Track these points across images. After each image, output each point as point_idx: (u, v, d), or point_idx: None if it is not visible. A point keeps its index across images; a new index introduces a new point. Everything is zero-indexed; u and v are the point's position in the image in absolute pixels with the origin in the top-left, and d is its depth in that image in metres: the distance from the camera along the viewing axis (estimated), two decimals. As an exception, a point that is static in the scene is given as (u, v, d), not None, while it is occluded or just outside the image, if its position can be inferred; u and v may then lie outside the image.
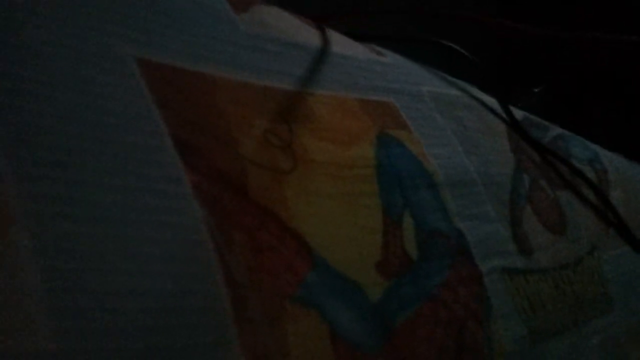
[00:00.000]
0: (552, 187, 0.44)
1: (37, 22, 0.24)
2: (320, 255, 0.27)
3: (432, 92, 0.42)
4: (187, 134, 0.26)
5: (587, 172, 0.47)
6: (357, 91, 0.36)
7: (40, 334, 0.18)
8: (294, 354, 0.24)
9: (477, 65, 0.47)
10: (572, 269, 0.40)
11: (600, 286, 0.42)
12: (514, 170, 0.42)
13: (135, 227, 0.22)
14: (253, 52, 0.32)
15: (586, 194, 0.46)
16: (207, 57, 0.29)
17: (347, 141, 0.33)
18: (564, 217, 0.43)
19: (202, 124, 0.27)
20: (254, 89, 0.30)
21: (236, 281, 0.23)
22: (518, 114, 0.47)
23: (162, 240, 0.22)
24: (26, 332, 0.18)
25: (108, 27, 0.26)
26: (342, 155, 0.32)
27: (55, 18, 0.25)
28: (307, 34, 0.37)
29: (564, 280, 0.39)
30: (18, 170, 0.20)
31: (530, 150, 0.45)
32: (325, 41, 0.38)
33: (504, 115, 0.46)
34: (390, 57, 0.42)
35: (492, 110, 0.45)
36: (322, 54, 0.36)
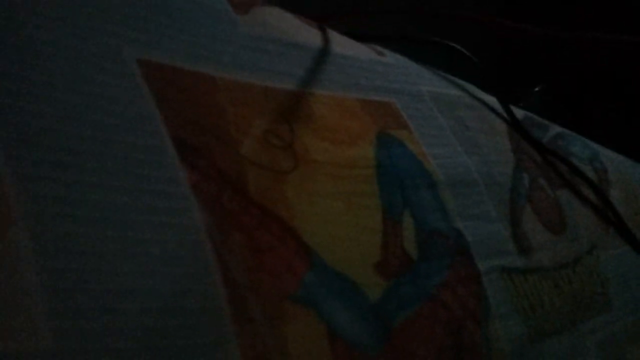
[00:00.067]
0: (552, 187, 0.44)
1: (37, 22, 0.24)
2: (319, 255, 0.27)
3: (432, 92, 0.42)
4: (187, 134, 0.26)
5: (587, 172, 0.47)
6: (357, 91, 0.36)
7: (40, 334, 0.18)
8: (293, 354, 0.24)
9: (477, 65, 0.47)
10: (572, 269, 0.41)
11: (599, 285, 0.42)
12: (514, 169, 0.42)
13: (135, 228, 0.22)
14: (254, 52, 0.32)
15: (586, 194, 0.46)
16: (208, 57, 0.29)
17: (348, 141, 0.33)
18: (563, 217, 0.43)
19: (203, 124, 0.27)
20: (254, 89, 0.30)
21: (235, 281, 0.24)
22: (519, 113, 0.47)
23: (161, 240, 0.22)
24: (26, 332, 0.18)
25: (109, 27, 0.26)
26: (343, 155, 0.32)
27: (55, 18, 0.25)
28: (308, 35, 0.37)
29: (563, 279, 0.39)
30: (18, 171, 0.20)
31: (531, 150, 0.45)
32: (326, 41, 0.38)
33: (504, 114, 0.46)
34: (391, 57, 0.42)
35: (492, 110, 0.45)
36: (323, 54, 0.36)
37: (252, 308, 0.24)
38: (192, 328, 0.22)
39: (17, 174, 0.20)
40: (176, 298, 0.22)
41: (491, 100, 0.46)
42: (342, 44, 0.39)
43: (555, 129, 0.50)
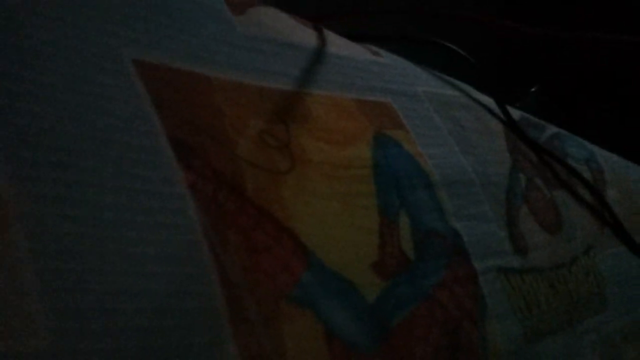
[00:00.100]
0: (549, 187, 0.44)
1: (36, 22, 0.24)
2: (316, 256, 0.27)
3: (429, 92, 0.42)
4: (184, 134, 0.26)
5: (583, 172, 0.47)
6: (354, 91, 0.36)
7: (38, 334, 0.18)
8: (290, 354, 0.24)
9: (473, 65, 0.47)
10: (568, 269, 0.41)
11: (595, 285, 0.42)
12: (510, 170, 0.42)
13: (132, 228, 0.22)
14: (250, 52, 0.32)
15: (582, 194, 0.46)
16: (204, 57, 0.29)
17: (344, 141, 0.33)
18: (560, 217, 0.43)
19: (199, 125, 0.27)
20: (250, 89, 0.30)
21: (231, 281, 0.24)
22: (515, 113, 0.47)
23: (158, 240, 0.22)
24: (25, 332, 0.18)
25: (107, 27, 0.26)
26: (339, 155, 0.32)
27: (54, 18, 0.25)
28: (304, 35, 0.37)
29: (559, 279, 0.39)
30: (16, 171, 0.20)
31: (527, 150, 0.45)
32: (322, 42, 0.38)
33: (501, 115, 0.46)
34: (387, 58, 0.42)
35: (489, 110, 0.46)
36: (319, 54, 0.36)
37: (248, 308, 0.24)
38: (189, 328, 0.22)
39: (15, 174, 0.20)
40: (173, 298, 0.22)
41: (488, 100, 0.47)
42: (338, 44, 0.39)
43: (552, 129, 0.50)
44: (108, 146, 0.23)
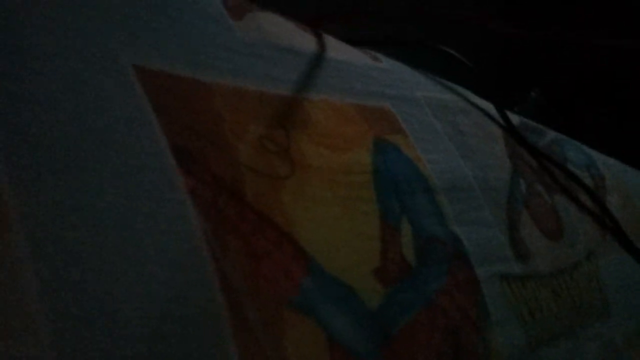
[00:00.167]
0: (549, 193, 0.44)
1: (36, 23, 0.24)
2: (317, 261, 0.27)
3: (428, 97, 0.42)
4: (184, 140, 0.25)
5: (584, 178, 0.47)
6: (353, 96, 0.36)
7: (40, 339, 0.18)
8: (291, 360, 0.24)
9: (471, 69, 0.47)
10: (570, 275, 0.40)
11: (597, 291, 0.42)
12: (510, 175, 0.42)
13: (132, 233, 0.22)
14: (250, 58, 0.32)
15: (583, 200, 0.46)
16: (204, 63, 0.29)
17: (344, 146, 0.33)
18: (560, 223, 0.43)
19: (199, 130, 0.26)
20: (250, 94, 0.30)
21: (232, 287, 0.23)
22: (514, 118, 0.47)
23: (158, 245, 0.22)
24: (27, 338, 0.18)
25: (107, 31, 0.26)
26: (339, 160, 0.32)
27: (54, 19, 0.24)
28: (303, 40, 0.37)
29: (561, 285, 0.39)
30: (18, 173, 0.20)
31: (527, 155, 0.45)
32: (322, 47, 0.38)
33: (500, 120, 0.46)
34: (386, 62, 0.42)
35: (488, 115, 0.45)
36: (318, 59, 0.36)
37: (249, 314, 0.23)
38: (189, 334, 0.21)
39: (16, 175, 0.20)
40: (174, 304, 0.21)
41: (487, 105, 0.46)
42: (337, 49, 0.39)
43: (551, 134, 0.50)
44: (108, 151, 0.23)
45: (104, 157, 0.22)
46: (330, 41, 0.39)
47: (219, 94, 0.29)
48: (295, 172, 0.29)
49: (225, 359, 0.22)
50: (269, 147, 0.29)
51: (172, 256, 0.22)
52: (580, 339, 0.38)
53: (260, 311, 0.24)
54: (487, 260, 0.35)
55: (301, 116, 0.32)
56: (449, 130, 0.41)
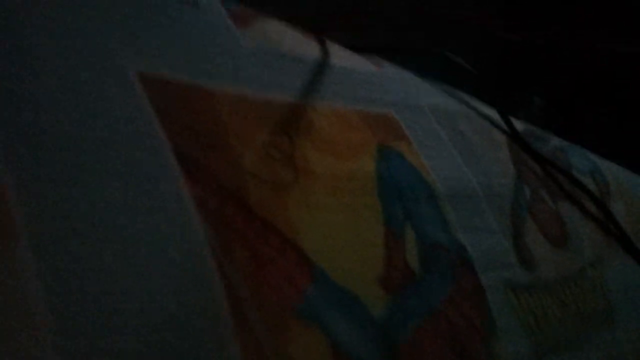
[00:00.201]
0: (553, 199, 0.44)
1: (37, 23, 0.24)
2: (321, 269, 0.27)
3: (431, 104, 0.41)
4: (189, 148, 0.25)
5: (588, 184, 0.47)
6: (357, 103, 0.36)
7: (45, 352, 0.18)
8: (296, 369, 0.24)
9: (475, 76, 0.47)
10: (575, 282, 0.40)
11: (603, 299, 0.42)
12: (514, 181, 0.42)
13: (137, 242, 0.21)
14: (253, 65, 0.32)
15: (587, 206, 0.45)
16: (208, 71, 0.29)
17: (348, 153, 0.33)
18: (565, 230, 0.42)
19: (203, 138, 0.26)
20: (254, 102, 0.30)
21: (237, 296, 0.23)
22: (518, 125, 0.47)
23: (164, 254, 0.22)
24: (29, 339, 0.18)
25: (109, 36, 0.26)
26: (343, 167, 0.32)
27: (55, 19, 0.24)
28: (307, 47, 0.37)
29: (566, 293, 0.39)
30: (20, 183, 0.20)
31: (531, 162, 0.45)
32: (325, 54, 0.37)
33: (504, 126, 0.46)
34: (390, 69, 0.42)
35: (492, 121, 0.45)
36: (322, 66, 0.36)
37: (254, 321, 0.23)
38: (195, 343, 0.21)
39: (17, 178, 0.20)
40: (179, 313, 0.21)
41: (490, 111, 0.46)
42: (340, 56, 0.39)
43: (555, 140, 0.50)
44: (113, 161, 0.23)
45: (105, 160, 0.22)
46: (334, 48, 0.39)
47: (222, 101, 0.29)
48: (299, 179, 0.29)
49: (229, 366, 0.22)
50: (272, 154, 0.29)
51: (177, 265, 0.22)
52: (586, 348, 0.38)
53: (264, 318, 0.24)
54: (491, 268, 0.35)
55: (305, 123, 0.32)
56: (452, 136, 0.40)
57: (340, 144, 0.33)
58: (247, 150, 0.28)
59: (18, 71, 0.22)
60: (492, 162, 0.41)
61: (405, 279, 0.30)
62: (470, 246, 0.35)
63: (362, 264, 0.29)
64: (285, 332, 0.24)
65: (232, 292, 0.23)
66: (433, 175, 0.36)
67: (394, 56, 0.44)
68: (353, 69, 0.38)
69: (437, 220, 0.34)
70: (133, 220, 0.22)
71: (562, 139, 0.50)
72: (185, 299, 0.22)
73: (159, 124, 0.25)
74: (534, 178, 0.43)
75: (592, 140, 0.52)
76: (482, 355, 0.31)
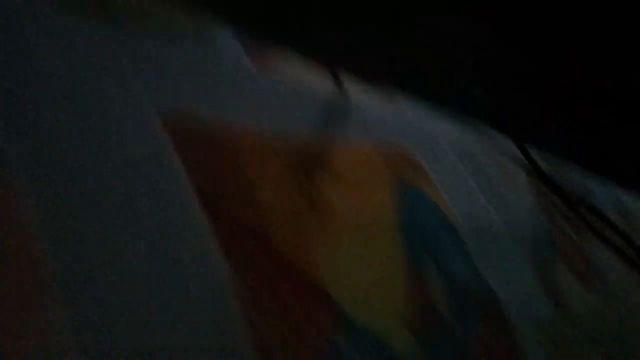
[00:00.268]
0: (577, 233, 0.43)
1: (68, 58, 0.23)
2: (345, 311, 0.26)
3: (448, 136, 0.41)
4: (209, 184, 0.25)
5: (611, 217, 0.46)
6: (373, 138, 0.36)
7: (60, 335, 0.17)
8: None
9: (490, 107, 0.46)
10: (604, 318, 0.39)
11: (632, 332, 0.40)
12: (537, 215, 0.41)
13: (160, 280, 0.21)
14: (273, 104, 0.31)
15: (612, 239, 0.44)
16: (229, 109, 0.29)
17: (366, 190, 0.32)
18: (591, 264, 0.41)
19: (224, 176, 0.26)
20: (272, 138, 0.30)
21: (266, 343, 0.22)
22: (536, 157, 0.46)
23: (187, 294, 0.21)
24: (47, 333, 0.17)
25: (134, 75, 0.26)
26: (362, 204, 0.31)
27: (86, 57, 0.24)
28: (323, 84, 0.37)
29: (595, 328, 0.38)
30: (45, 226, 0.19)
31: (552, 195, 0.44)
32: (340, 90, 0.37)
33: (523, 158, 0.45)
34: (404, 102, 0.42)
35: (510, 155, 0.45)
36: (338, 103, 0.36)
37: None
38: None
39: (46, 229, 0.19)
40: (202, 354, 0.20)
41: (508, 143, 0.46)
42: (355, 92, 0.38)
43: (575, 170, 0.49)
44: (135, 196, 0.22)
45: (133, 206, 0.22)
46: (350, 84, 0.39)
47: (244, 140, 0.28)
48: (319, 216, 0.29)
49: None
50: (293, 192, 0.28)
51: (200, 304, 0.21)
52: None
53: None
54: (520, 307, 0.34)
55: (322, 160, 0.32)
56: (471, 169, 0.40)
57: (358, 180, 0.32)
58: (266, 187, 0.27)
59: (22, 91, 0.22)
60: (512, 195, 0.40)
61: (431, 321, 0.29)
62: (498, 287, 0.34)
63: (386, 305, 0.28)
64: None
65: (260, 339, 0.22)
66: (455, 212, 0.35)
67: (408, 88, 0.44)
68: (368, 105, 0.38)
69: (462, 259, 0.34)
70: (155, 257, 0.21)
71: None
72: (209, 339, 0.21)
73: (180, 160, 0.24)
74: (556, 211, 0.43)
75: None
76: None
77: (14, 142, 0.20)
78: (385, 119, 0.38)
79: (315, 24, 0.39)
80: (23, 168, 0.20)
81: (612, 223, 0.44)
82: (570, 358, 0.35)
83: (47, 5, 0.24)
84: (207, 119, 0.27)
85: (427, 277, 0.31)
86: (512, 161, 0.44)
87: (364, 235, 0.30)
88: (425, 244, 0.32)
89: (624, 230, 0.45)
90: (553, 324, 0.35)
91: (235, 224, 0.24)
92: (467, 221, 0.35)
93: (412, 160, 0.37)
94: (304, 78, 0.36)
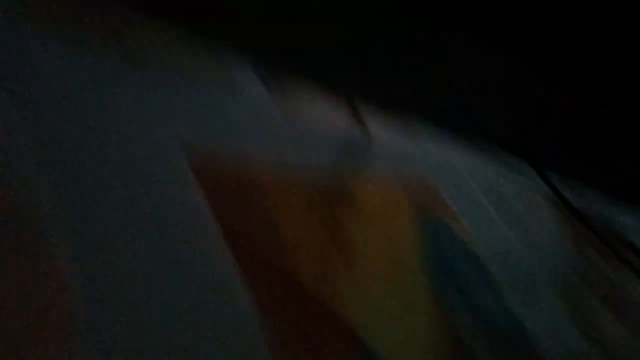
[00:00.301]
0: (606, 262, 0.42)
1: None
2: (373, 349, 0.26)
3: (470, 168, 0.41)
4: (234, 222, 0.25)
5: (635, 243, 0.45)
6: (394, 171, 0.36)
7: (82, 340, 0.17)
8: None
9: (509, 134, 0.46)
10: (637, 350, 0.38)
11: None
12: (562, 245, 0.40)
13: (186, 320, 0.21)
14: (295, 143, 0.32)
15: (637, 264, 0.44)
16: (252, 148, 0.29)
17: (390, 223, 0.32)
18: (624, 295, 0.41)
19: (248, 211, 0.26)
20: (297, 177, 0.30)
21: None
22: (559, 185, 0.46)
23: (214, 334, 0.21)
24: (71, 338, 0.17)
25: (158, 115, 0.26)
26: (386, 238, 0.31)
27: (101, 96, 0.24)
28: (345, 121, 0.37)
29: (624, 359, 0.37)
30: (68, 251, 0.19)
31: (576, 222, 0.43)
32: (362, 127, 0.37)
33: (546, 187, 0.44)
34: (425, 135, 0.42)
35: (531, 182, 0.44)
36: (360, 139, 0.36)
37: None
38: None
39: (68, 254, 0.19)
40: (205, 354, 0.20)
41: (530, 172, 0.45)
42: (377, 126, 0.38)
43: (599, 198, 0.48)
44: (160, 235, 0.22)
45: (156, 245, 0.22)
46: (370, 119, 0.39)
47: (268, 180, 0.28)
48: (343, 251, 0.28)
49: None
50: (317, 228, 0.28)
51: (226, 342, 0.21)
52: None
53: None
54: (551, 342, 0.33)
55: (345, 195, 0.31)
56: (493, 200, 0.39)
57: (381, 214, 0.32)
58: (291, 224, 0.27)
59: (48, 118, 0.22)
60: (537, 227, 0.40)
61: (460, 355, 0.29)
62: (526, 320, 0.33)
63: (415, 341, 0.28)
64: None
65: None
66: (479, 244, 0.35)
67: (427, 119, 0.44)
68: (388, 137, 0.38)
69: (490, 293, 0.33)
70: (180, 296, 0.21)
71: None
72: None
73: (204, 198, 0.24)
74: (583, 241, 0.42)
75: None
76: None
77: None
78: (405, 151, 0.38)
79: (332, 58, 0.39)
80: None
81: (638, 250, 0.43)
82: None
83: (63, 50, 0.25)
84: (230, 158, 0.27)
85: (454, 310, 0.30)
86: (535, 191, 0.44)
87: (389, 269, 0.30)
88: (450, 277, 0.32)
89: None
90: (583, 355, 0.34)
91: (259, 262, 0.24)
92: (491, 253, 0.35)
93: (434, 192, 0.37)
94: (324, 113, 0.36)
